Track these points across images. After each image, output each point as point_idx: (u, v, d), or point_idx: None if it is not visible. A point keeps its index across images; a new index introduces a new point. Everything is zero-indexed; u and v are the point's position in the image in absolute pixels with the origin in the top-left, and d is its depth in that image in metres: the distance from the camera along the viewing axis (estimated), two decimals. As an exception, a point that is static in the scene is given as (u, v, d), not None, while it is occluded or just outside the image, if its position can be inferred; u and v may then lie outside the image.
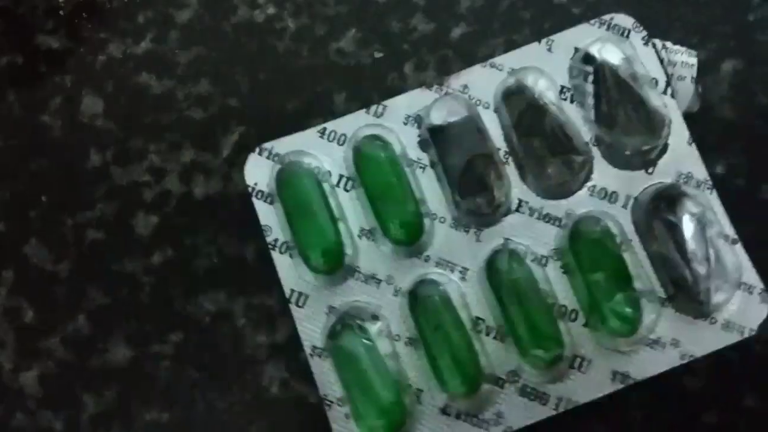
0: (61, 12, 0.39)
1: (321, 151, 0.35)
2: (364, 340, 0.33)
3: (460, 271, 0.34)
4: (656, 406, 0.34)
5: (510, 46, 0.37)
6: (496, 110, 0.35)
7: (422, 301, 0.33)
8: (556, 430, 0.34)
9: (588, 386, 0.33)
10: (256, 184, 0.35)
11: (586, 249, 0.33)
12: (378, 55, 0.38)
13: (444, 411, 0.33)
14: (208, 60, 0.38)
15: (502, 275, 0.33)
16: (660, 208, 0.34)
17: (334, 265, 0.34)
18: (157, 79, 0.38)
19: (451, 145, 0.35)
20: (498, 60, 0.35)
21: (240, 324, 0.35)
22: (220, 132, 0.37)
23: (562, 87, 0.35)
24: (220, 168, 0.37)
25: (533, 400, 0.33)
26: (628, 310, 0.33)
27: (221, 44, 0.38)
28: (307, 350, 0.33)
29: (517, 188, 0.35)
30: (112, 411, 0.35)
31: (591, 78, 0.35)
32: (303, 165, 0.35)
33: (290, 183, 0.34)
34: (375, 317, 0.34)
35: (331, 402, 0.33)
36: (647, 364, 0.33)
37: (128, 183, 0.37)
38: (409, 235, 0.34)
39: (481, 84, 0.35)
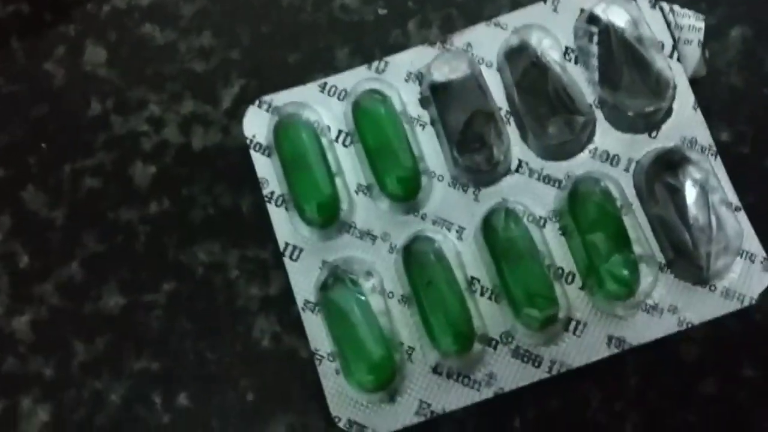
0: (67, -39, 0.39)
1: (321, 105, 0.35)
2: (357, 295, 0.33)
3: (457, 230, 0.34)
4: (652, 373, 0.34)
5: (516, 5, 0.37)
6: (498, 69, 0.35)
7: (416, 257, 0.33)
8: (549, 393, 0.34)
9: (583, 350, 0.32)
10: (254, 136, 0.34)
11: (585, 210, 0.33)
12: (382, 11, 0.37)
13: (435, 370, 0.33)
14: (211, 12, 0.38)
15: (499, 233, 0.33)
16: (662, 172, 0.33)
17: (328, 218, 0.33)
18: (160, 31, 0.38)
19: (451, 103, 0.34)
20: (502, 19, 0.35)
21: (233, 276, 0.35)
22: (220, 84, 0.37)
23: (567, 48, 0.35)
24: (220, 120, 0.37)
25: (526, 362, 0.33)
26: (625, 272, 0.32)
27: (226, -3, 0.38)
28: (300, 304, 0.33)
29: (518, 148, 0.34)
30: (103, 358, 0.35)
31: (596, 39, 0.34)
32: (301, 118, 0.34)
33: (288, 135, 0.34)
34: (369, 273, 0.33)
35: (322, 357, 0.33)
36: (644, 330, 0.32)
37: (128, 132, 0.37)
38: (405, 191, 0.33)
39: (485, 42, 0.35)
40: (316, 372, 0.32)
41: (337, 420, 0.32)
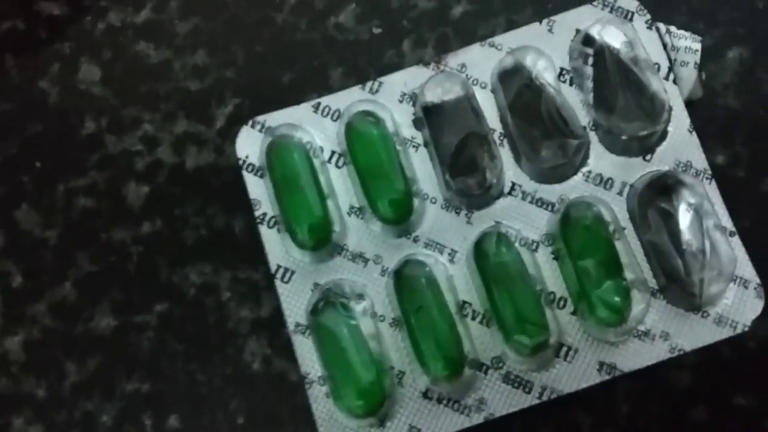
0: (62, -22, 0.39)
1: (314, 126, 0.35)
2: (347, 319, 0.33)
3: (449, 253, 0.34)
4: (643, 400, 0.34)
5: (511, 25, 0.36)
6: (492, 90, 0.34)
7: (407, 282, 0.33)
8: (539, 420, 0.34)
9: (574, 376, 0.32)
10: (247, 156, 0.34)
11: (577, 235, 0.33)
12: (377, 30, 0.37)
13: (425, 395, 0.32)
14: (205, 31, 0.38)
15: (490, 258, 0.33)
16: (656, 197, 0.33)
17: (320, 241, 0.33)
18: (155, 49, 0.38)
19: (444, 124, 0.34)
20: (497, 39, 0.35)
21: (225, 297, 0.35)
22: (214, 104, 0.37)
23: (562, 69, 0.34)
24: (213, 140, 0.37)
25: (517, 388, 0.32)
26: (616, 299, 0.32)
27: (220, 15, 0.38)
28: (290, 327, 0.33)
29: (511, 171, 0.34)
30: (95, 379, 0.35)
31: (591, 60, 0.34)
32: (294, 139, 0.34)
33: (280, 156, 0.34)
34: (360, 296, 0.33)
35: (312, 380, 0.32)
36: (635, 356, 0.32)
37: (121, 151, 0.37)
38: (397, 214, 0.33)
39: (479, 63, 0.35)
40: (306, 395, 0.32)
41: (326, 444, 0.32)
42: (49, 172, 0.37)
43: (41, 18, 0.39)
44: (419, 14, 0.37)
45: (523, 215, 0.34)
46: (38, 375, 0.35)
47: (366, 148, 0.34)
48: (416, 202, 0.33)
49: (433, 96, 0.34)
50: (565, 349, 0.32)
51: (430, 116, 0.34)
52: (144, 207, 0.36)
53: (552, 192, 0.34)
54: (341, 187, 0.34)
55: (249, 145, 0.34)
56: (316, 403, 0.32)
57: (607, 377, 0.32)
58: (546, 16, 0.35)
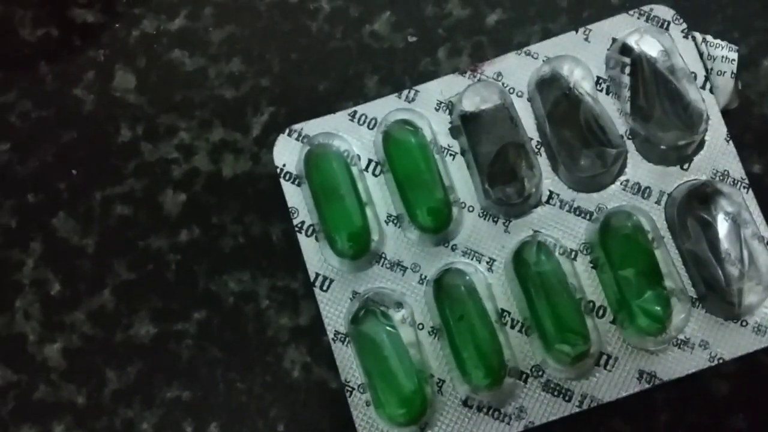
0: (96, -14, 0.39)
1: (351, 134, 0.35)
2: (387, 327, 0.33)
3: (487, 262, 0.34)
4: (683, 408, 0.34)
5: (546, 34, 0.36)
6: (529, 99, 0.35)
7: (447, 291, 0.33)
8: (579, 428, 0.34)
9: (613, 385, 0.32)
10: (284, 165, 0.34)
11: (617, 244, 0.33)
12: (412, 39, 0.37)
13: (465, 403, 0.33)
14: (240, 39, 0.38)
15: (530, 267, 0.33)
16: (694, 206, 0.33)
17: (359, 249, 0.33)
18: (189, 57, 0.38)
19: (482, 133, 0.34)
20: (533, 48, 0.35)
21: (263, 305, 0.35)
22: (250, 112, 0.37)
23: (598, 78, 0.35)
24: (250, 148, 0.37)
25: (557, 396, 0.33)
26: (657, 308, 0.32)
27: (254, 23, 0.38)
28: (330, 335, 0.33)
29: (549, 179, 0.34)
30: (135, 387, 0.35)
31: (628, 69, 0.34)
32: (332, 147, 0.34)
33: (318, 165, 0.34)
34: (399, 304, 0.33)
35: (353, 388, 0.33)
36: (675, 365, 0.32)
37: (158, 159, 0.37)
38: (436, 223, 0.33)
39: (516, 72, 0.35)
40: (347, 403, 0.33)
41: (368, 452, 0.32)
42: (86, 180, 0.37)
43: (75, 25, 0.39)
44: (454, 22, 0.37)
45: (561, 224, 0.34)
46: (78, 382, 0.35)
47: (404, 156, 0.34)
48: (454, 210, 0.34)
49: (470, 104, 0.34)
50: (605, 357, 0.33)
51: (467, 125, 0.34)
52: (181, 215, 0.36)
53: (590, 201, 0.34)
54: (378, 195, 0.34)
55: (286, 153, 0.35)
56: (357, 411, 0.33)
57: (647, 386, 0.32)
58: (581, 24, 0.35)
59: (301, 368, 0.35)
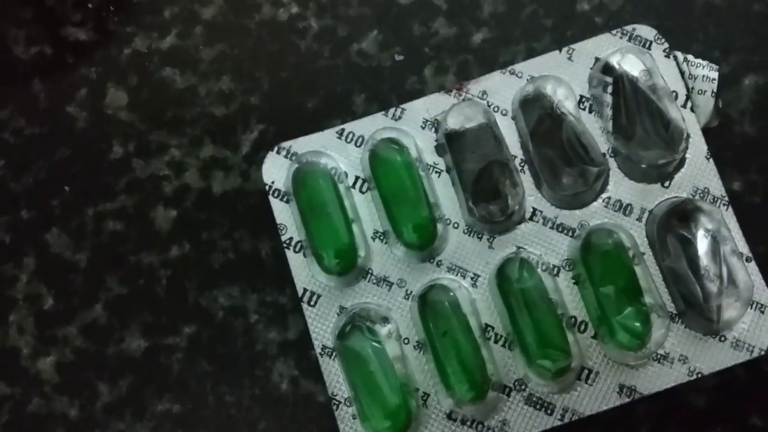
0: (89, 5, 0.40)
1: (338, 151, 0.35)
2: (373, 342, 0.34)
3: (472, 277, 0.34)
4: (662, 422, 0.34)
5: (531, 53, 0.37)
6: (513, 117, 0.35)
7: (432, 306, 0.34)
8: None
9: (594, 398, 0.33)
10: (273, 182, 0.35)
11: (598, 261, 0.34)
12: (399, 57, 0.38)
13: (450, 416, 0.33)
14: (230, 57, 0.38)
15: (513, 283, 0.34)
16: (674, 223, 0.34)
17: (346, 266, 0.34)
18: (180, 75, 0.38)
19: (466, 151, 0.35)
20: (518, 67, 0.35)
21: (252, 320, 0.36)
22: (240, 129, 0.38)
23: (582, 97, 0.35)
24: (239, 165, 0.37)
25: (539, 410, 0.33)
26: (637, 324, 0.33)
27: (244, 42, 0.38)
28: (317, 349, 0.34)
29: (532, 196, 0.35)
30: (126, 400, 0.36)
31: (610, 88, 0.35)
32: (320, 165, 0.35)
33: (306, 183, 0.35)
34: (385, 319, 0.34)
35: (339, 402, 0.33)
36: (655, 379, 0.33)
37: (149, 176, 0.37)
38: (421, 239, 0.34)
39: (500, 90, 0.35)
40: (334, 416, 0.33)
41: (353, 466, 0.33)
42: (79, 196, 0.38)
43: (68, 43, 0.39)
44: (440, 41, 0.38)
45: (545, 240, 0.35)
46: (71, 395, 0.36)
47: (390, 174, 0.35)
48: (439, 227, 0.34)
49: (455, 123, 0.35)
50: (586, 372, 0.33)
51: (452, 143, 0.35)
52: (172, 231, 0.37)
53: (572, 217, 0.35)
54: (365, 211, 0.35)
55: (275, 170, 0.35)
56: (343, 424, 0.33)
57: (627, 400, 0.33)
58: (565, 44, 0.36)
59: (290, 382, 0.36)
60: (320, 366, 0.34)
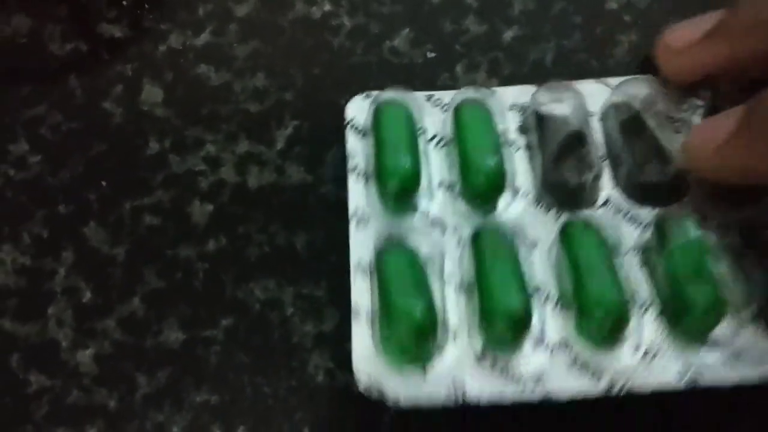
0: (123, 2, 0.40)
1: (423, 111, 0.36)
2: (414, 262, 0.33)
3: (531, 243, 0.34)
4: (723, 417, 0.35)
5: (560, 50, 0.38)
6: (601, 119, 0.36)
7: (488, 238, 0.33)
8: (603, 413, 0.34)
9: (651, 376, 0.32)
10: (354, 118, 0.36)
11: (676, 255, 0.33)
12: (430, 54, 0.38)
13: (480, 357, 0.32)
14: (264, 54, 0.39)
15: (575, 240, 0.33)
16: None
17: (405, 190, 0.34)
18: (215, 71, 0.39)
19: (552, 129, 0.35)
20: (610, 80, 0.36)
21: (288, 313, 0.37)
22: (274, 125, 0.38)
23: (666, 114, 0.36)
24: (274, 160, 0.38)
25: (583, 374, 0.32)
26: (706, 307, 0.32)
27: (278, 39, 0.39)
28: (353, 263, 0.33)
29: (607, 190, 0.35)
30: (164, 391, 0.36)
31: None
32: (402, 107, 0.35)
33: (385, 118, 0.35)
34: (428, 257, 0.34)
35: (358, 313, 0.33)
36: (722, 370, 0.32)
37: (185, 171, 0.38)
38: (488, 186, 0.34)
39: (591, 96, 0.36)
40: (369, 408, 0.34)
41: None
42: (116, 191, 0.38)
43: (103, 40, 0.40)
44: (471, 38, 0.38)
45: (613, 229, 0.34)
46: (110, 387, 0.36)
47: (472, 126, 0.35)
48: (508, 193, 0.34)
49: (545, 101, 0.35)
50: (645, 348, 0.32)
51: (540, 122, 0.35)
52: (208, 225, 0.38)
53: (646, 213, 0.34)
54: (436, 164, 0.35)
55: (358, 110, 0.36)
56: (357, 337, 0.32)
57: (683, 386, 0.32)
58: (595, 42, 0.36)
59: (325, 374, 0.36)
60: (351, 282, 0.33)
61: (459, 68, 0.38)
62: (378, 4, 0.39)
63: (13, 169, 0.39)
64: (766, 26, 0.32)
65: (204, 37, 0.39)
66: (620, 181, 0.35)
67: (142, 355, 0.37)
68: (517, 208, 0.35)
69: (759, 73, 0.32)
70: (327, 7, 0.39)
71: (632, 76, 0.36)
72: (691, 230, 0.33)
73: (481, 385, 0.32)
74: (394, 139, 0.34)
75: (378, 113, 0.35)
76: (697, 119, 0.35)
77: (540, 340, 0.33)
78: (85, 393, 0.37)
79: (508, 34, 0.38)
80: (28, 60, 0.40)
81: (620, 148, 0.35)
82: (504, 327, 0.32)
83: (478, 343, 0.32)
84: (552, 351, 0.32)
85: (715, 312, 0.32)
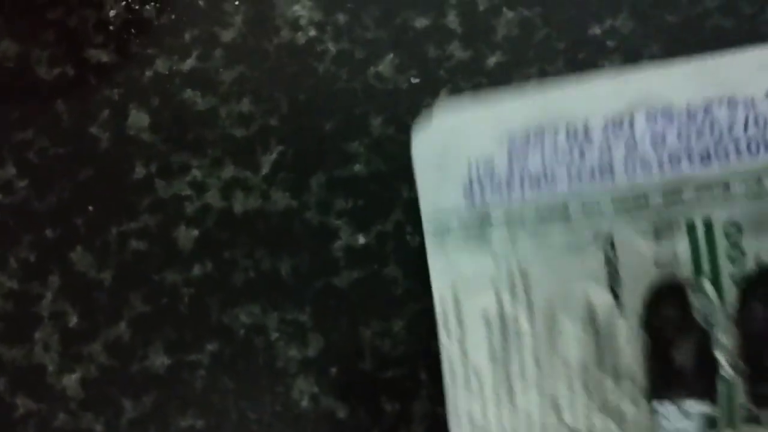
0: (111, 27, 0.40)
1: None
2: None
3: None
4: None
5: (543, 75, 0.38)
6: None
7: None
8: None
9: None
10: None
11: None
12: (414, 80, 0.39)
13: None
14: (250, 79, 0.39)
15: None
16: None
17: None
18: (201, 96, 0.39)
19: None
20: None
21: (273, 338, 0.37)
22: (260, 150, 0.39)
23: None
24: (259, 185, 0.38)
25: None
26: None
27: (263, 64, 0.39)
28: None
29: None
30: (150, 416, 0.37)
31: None
32: None
33: None
34: None
35: None
36: None
37: (171, 196, 0.38)
38: None
39: None
40: (353, 432, 0.34)
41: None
42: (102, 216, 0.38)
43: (90, 65, 0.40)
44: (455, 64, 0.39)
45: None
46: (96, 411, 0.37)
47: None
48: None
49: None
50: None
51: None
52: (194, 250, 0.38)
53: None
54: None
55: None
56: None
57: None
58: (578, 66, 0.36)
59: (310, 399, 0.36)
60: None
61: (443, 94, 0.39)
62: (362, 29, 0.39)
63: (0, 194, 0.39)
64: None
65: (190, 62, 0.40)
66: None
67: (127, 380, 0.37)
68: None
69: None
70: (312, 33, 0.39)
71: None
72: None
73: None
74: None
75: None
76: None
77: None
78: (71, 417, 0.37)
79: (492, 60, 0.39)
80: (15, 84, 0.40)
81: None
82: None
83: None
84: None
85: None
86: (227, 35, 0.40)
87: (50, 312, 0.38)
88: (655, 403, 0.30)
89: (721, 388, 0.29)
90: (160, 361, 0.37)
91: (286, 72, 0.39)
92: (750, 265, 0.29)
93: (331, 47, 0.39)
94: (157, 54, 0.40)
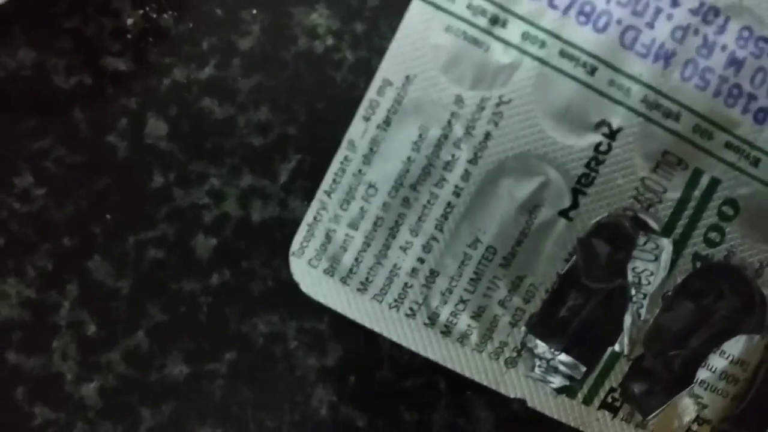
0: (128, 36, 0.40)
1: None
2: None
3: None
4: None
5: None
6: None
7: None
8: None
9: None
10: None
11: None
12: (433, 89, 0.39)
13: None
14: (268, 88, 0.39)
15: None
16: None
17: None
18: (219, 105, 0.39)
19: None
20: None
21: (292, 346, 0.37)
22: (278, 159, 0.39)
23: None
24: (277, 194, 0.38)
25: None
26: None
27: (281, 73, 0.39)
28: None
29: None
30: (168, 425, 0.37)
31: None
32: None
33: None
34: None
35: None
36: None
37: (189, 205, 0.38)
38: None
39: None
40: (373, 441, 0.34)
41: None
42: (120, 225, 0.38)
43: (108, 73, 0.40)
44: (473, 73, 0.39)
45: None
46: (114, 420, 0.37)
47: None
48: None
49: None
50: None
51: None
52: (212, 259, 0.38)
53: None
54: None
55: None
56: None
57: None
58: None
59: (329, 407, 0.36)
60: None
61: (461, 103, 0.39)
62: (380, 38, 0.39)
63: (18, 203, 0.39)
64: None
65: (208, 71, 0.40)
66: None
67: (146, 389, 0.37)
68: None
69: None
70: (330, 41, 0.39)
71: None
72: None
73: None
74: None
75: None
76: None
77: None
78: (89, 426, 0.37)
79: (510, 69, 0.39)
80: (32, 93, 0.40)
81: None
82: None
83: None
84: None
85: None
86: (245, 44, 0.40)
87: (68, 321, 0.38)
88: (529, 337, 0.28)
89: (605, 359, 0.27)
90: (178, 370, 0.37)
91: (303, 80, 0.39)
92: (721, 254, 0.27)
93: (349, 56, 0.39)
94: (174, 62, 0.40)
